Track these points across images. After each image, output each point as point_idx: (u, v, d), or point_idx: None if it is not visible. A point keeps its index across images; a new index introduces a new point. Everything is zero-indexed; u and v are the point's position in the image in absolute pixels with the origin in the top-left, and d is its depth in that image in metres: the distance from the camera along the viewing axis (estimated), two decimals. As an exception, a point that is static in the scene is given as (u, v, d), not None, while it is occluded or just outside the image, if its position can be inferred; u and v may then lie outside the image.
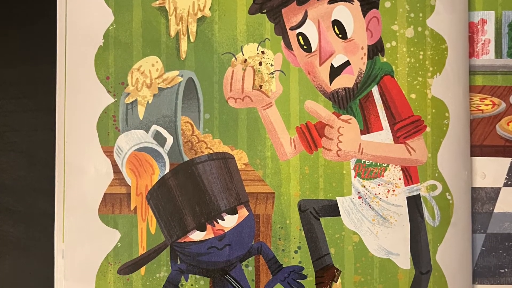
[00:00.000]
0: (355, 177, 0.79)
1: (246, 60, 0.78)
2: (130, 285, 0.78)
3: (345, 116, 0.78)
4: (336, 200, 0.79)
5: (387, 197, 0.79)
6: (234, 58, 0.78)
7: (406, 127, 0.78)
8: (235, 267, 0.79)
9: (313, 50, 0.78)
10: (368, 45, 0.78)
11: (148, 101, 0.78)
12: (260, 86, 0.78)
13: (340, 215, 0.79)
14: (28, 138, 0.80)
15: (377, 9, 0.78)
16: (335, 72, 0.78)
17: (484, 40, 0.80)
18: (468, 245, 0.78)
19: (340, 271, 0.78)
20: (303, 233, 0.78)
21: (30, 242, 0.79)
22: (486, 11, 0.79)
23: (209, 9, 0.79)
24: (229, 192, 0.78)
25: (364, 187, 0.79)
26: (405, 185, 0.78)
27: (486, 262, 0.79)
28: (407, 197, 0.78)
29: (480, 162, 0.79)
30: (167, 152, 0.78)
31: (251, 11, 0.79)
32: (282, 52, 0.79)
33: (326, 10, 0.77)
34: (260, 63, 0.78)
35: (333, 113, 0.78)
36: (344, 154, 0.78)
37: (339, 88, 0.78)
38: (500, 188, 0.79)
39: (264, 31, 0.79)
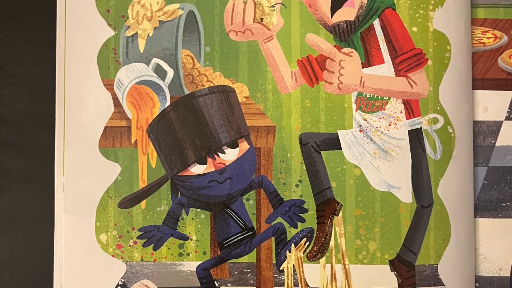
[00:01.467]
0: (356, 110, 0.78)
1: (247, -8, 0.78)
2: (130, 218, 0.78)
3: (346, 49, 0.77)
4: (337, 134, 0.78)
5: (388, 130, 0.78)
6: (235, -10, 0.78)
7: (407, 60, 0.78)
8: (236, 201, 0.79)
9: (314, -18, 0.78)
10: (369, -22, 0.78)
11: (148, 34, 0.78)
12: (261, 19, 0.78)
13: (341, 149, 0.78)
14: (28, 71, 0.79)
15: None
16: (336, 5, 0.78)
17: (486, -26, 0.79)
18: (469, 178, 0.78)
19: (341, 205, 0.78)
20: (304, 167, 0.78)
21: (30, 175, 0.79)
22: None
23: None
24: (229, 125, 0.77)
25: (366, 120, 0.78)
26: (407, 119, 0.78)
27: (488, 196, 0.79)
28: (408, 131, 0.78)
29: (482, 95, 0.79)
30: (167, 85, 0.78)
31: None
32: (283, -15, 0.78)
33: None
34: (261, -4, 0.78)
35: (334, 46, 0.78)
36: (345, 87, 0.78)
37: (340, 21, 0.78)
38: (501, 122, 0.79)
39: (265, -36, 0.78)
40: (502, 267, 0.79)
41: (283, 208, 0.78)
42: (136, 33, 0.78)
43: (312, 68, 0.78)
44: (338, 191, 0.78)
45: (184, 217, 0.78)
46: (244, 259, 0.79)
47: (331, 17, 0.78)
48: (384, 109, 0.78)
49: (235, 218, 0.79)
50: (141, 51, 0.78)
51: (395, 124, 0.78)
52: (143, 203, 0.78)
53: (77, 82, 0.78)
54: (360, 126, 0.78)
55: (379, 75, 0.78)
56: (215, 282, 0.78)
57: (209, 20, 0.78)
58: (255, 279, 0.78)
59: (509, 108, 0.79)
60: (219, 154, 0.78)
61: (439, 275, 0.77)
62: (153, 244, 0.78)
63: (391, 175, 0.78)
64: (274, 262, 0.79)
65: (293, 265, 0.78)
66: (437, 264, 0.78)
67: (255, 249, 0.79)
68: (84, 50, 0.78)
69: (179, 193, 0.79)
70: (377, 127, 0.78)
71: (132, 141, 0.78)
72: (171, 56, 0.78)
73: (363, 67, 0.78)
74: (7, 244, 0.79)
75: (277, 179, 0.78)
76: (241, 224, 0.79)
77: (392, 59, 0.78)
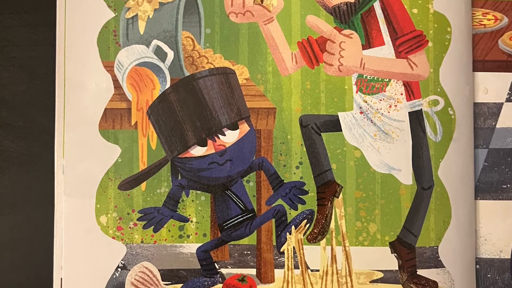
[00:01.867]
0: (356, 92, 0.78)
1: (247, -26, 0.78)
2: (130, 200, 0.78)
3: (346, 31, 0.77)
4: (337, 115, 0.78)
5: (389, 112, 0.78)
6: (235, -28, 0.78)
7: (408, 42, 0.77)
8: (236, 183, 0.79)
9: (314, -36, 0.78)
10: (370, -41, 0.78)
11: (148, 16, 0.78)
12: (261, 1, 0.78)
13: (341, 131, 0.78)
14: (28, 53, 0.79)
15: None
16: (336, -13, 0.78)
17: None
18: (470, 160, 0.78)
19: (342, 187, 0.78)
20: (304, 149, 0.78)
21: (30, 157, 0.79)
22: None
23: None
24: (230, 107, 0.77)
25: (366, 102, 0.78)
26: (407, 100, 0.78)
27: (488, 178, 0.79)
28: (409, 112, 0.78)
29: (482, 77, 0.79)
30: (167, 67, 0.78)
31: None
32: (283, -33, 0.78)
33: None
34: (261, -23, 0.78)
35: (335, 28, 0.78)
36: (345, 69, 0.77)
37: (341, 3, 0.78)
38: (502, 103, 0.79)
39: None
40: (503, 249, 0.78)
41: (284, 190, 0.78)
42: (136, 14, 0.78)
43: (313, 50, 0.78)
44: (339, 173, 0.78)
45: (184, 199, 0.78)
46: (244, 241, 0.78)
47: (332, -1, 0.78)
48: (385, 91, 0.78)
49: (235, 200, 0.78)
50: (141, 33, 0.78)
51: (396, 106, 0.78)
52: (143, 185, 0.78)
53: (77, 64, 0.78)
54: (360, 108, 0.78)
55: (379, 57, 0.78)
56: (215, 264, 0.78)
57: (209, 1, 0.78)
58: (255, 261, 0.78)
59: (509, 90, 0.79)
60: (219, 136, 0.77)
61: (439, 257, 0.77)
62: (153, 226, 0.78)
63: (392, 157, 0.78)
64: (275, 244, 0.79)
65: (293, 247, 0.78)
66: (437, 246, 0.77)
67: (255, 231, 0.79)
68: (84, 32, 0.78)
69: (179, 175, 0.78)
70: (377, 109, 0.78)
71: (132, 123, 0.78)
72: (171, 38, 0.78)
73: (363, 49, 0.77)
74: (7, 226, 0.79)
75: (277, 161, 0.78)
76: (241, 206, 0.79)
77: (393, 41, 0.78)
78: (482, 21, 0.79)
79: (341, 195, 0.78)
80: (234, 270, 0.78)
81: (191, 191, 0.78)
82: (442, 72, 0.78)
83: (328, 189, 0.78)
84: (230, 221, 0.79)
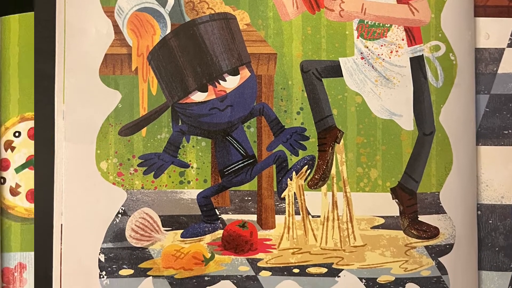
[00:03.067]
0: (357, 37, 0.78)
1: None
2: (131, 146, 0.78)
3: (347, -24, 0.77)
4: (338, 61, 0.78)
5: (390, 57, 0.78)
6: None
7: (409, -13, 0.77)
8: (237, 128, 0.78)
9: None
10: None
11: (149, -39, 0.78)
12: None
13: (342, 76, 0.78)
14: (28, -2, 0.79)
15: None
16: None
17: None
18: (471, 106, 0.78)
19: (343, 132, 0.78)
20: (305, 94, 0.78)
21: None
22: None
23: None
24: (230, 52, 0.77)
25: (367, 47, 0.78)
26: (408, 46, 0.78)
27: (490, 123, 0.78)
28: (410, 58, 0.78)
29: (484, 23, 0.78)
30: (168, 12, 0.78)
31: None
32: None
33: None
34: None
35: (336, -27, 0.78)
36: (346, 15, 0.77)
37: None
38: (504, 49, 0.78)
39: None
40: (504, 195, 0.78)
41: (284, 136, 0.78)
42: (137, -40, 0.78)
43: (313, -5, 0.78)
44: (340, 118, 0.78)
45: (185, 144, 0.78)
46: (245, 187, 0.78)
47: None
48: (386, 36, 0.78)
49: (236, 146, 0.78)
50: (142, -22, 0.78)
51: (397, 51, 0.78)
52: (144, 131, 0.78)
53: (78, 9, 0.77)
54: (361, 53, 0.78)
55: (380, 2, 0.77)
56: (216, 210, 0.78)
57: None
58: (256, 207, 0.78)
59: (511, 36, 0.78)
60: (220, 81, 0.77)
61: (440, 203, 0.77)
62: (153, 172, 0.78)
63: (393, 103, 0.78)
64: (275, 190, 0.78)
65: (294, 193, 0.78)
66: (438, 192, 0.77)
67: (256, 177, 0.78)
68: (84, -23, 0.78)
69: (180, 120, 0.78)
70: (378, 55, 0.78)
71: (133, 69, 0.77)
72: (172, -17, 0.78)
73: (364, -6, 0.77)
74: (7, 172, 0.79)
75: (278, 106, 0.78)
76: (242, 152, 0.78)
77: (394, -14, 0.78)
78: (484, -34, 0.79)
79: (342, 140, 0.78)
80: (234, 216, 0.78)
81: (191, 137, 0.78)
82: (444, 18, 0.77)
83: (329, 134, 0.78)
84: (231, 167, 0.79)
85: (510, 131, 0.78)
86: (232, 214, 0.78)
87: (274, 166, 0.78)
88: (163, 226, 0.77)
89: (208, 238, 0.78)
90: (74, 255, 0.76)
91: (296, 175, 0.78)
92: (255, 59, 0.78)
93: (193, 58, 0.77)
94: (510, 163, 0.78)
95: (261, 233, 0.78)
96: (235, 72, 0.77)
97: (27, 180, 0.77)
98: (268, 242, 0.78)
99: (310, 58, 0.78)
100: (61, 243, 0.76)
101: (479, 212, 0.78)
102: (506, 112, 0.78)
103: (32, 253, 0.77)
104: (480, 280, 0.78)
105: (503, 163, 0.78)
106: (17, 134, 0.75)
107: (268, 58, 0.78)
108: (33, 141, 0.75)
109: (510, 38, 0.78)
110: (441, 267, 0.77)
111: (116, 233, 0.77)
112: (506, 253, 0.78)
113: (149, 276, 0.77)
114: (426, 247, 0.77)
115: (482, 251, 0.78)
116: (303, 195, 0.78)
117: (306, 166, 0.78)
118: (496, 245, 0.78)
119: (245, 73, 0.78)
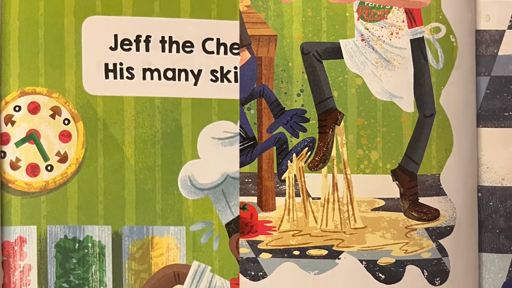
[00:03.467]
0: (358, 19, 0.78)
1: None
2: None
3: (348, -42, 0.77)
4: (339, 43, 0.78)
5: (390, 39, 0.78)
6: None
7: (409, -31, 0.77)
8: (237, 110, 0.78)
9: None
10: None
11: None
12: None
13: (343, 58, 0.78)
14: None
15: None
16: None
17: None
18: (472, 88, 0.78)
19: (343, 114, 0.78)
20: (305, 76, 0.78)
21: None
22: None
23: None
24: (231, 34, 0.77)
25: (367, 29, 0.78)
26: (409, 28, 0.78)
27: (490, 105, 0.78)
28: (410, 40, 0.78)
29: (484, 4, 0.78)
30: (168, -6, 0.78)
31: None
32: None
33: None
34: None
35: (336, -45, 0.78)
36: (347, -4, 0.77)
37: None
38: (504, 31, 0.78)
39: None
40: (505, 177, 0.78)
41: (285, 118, 0.78)
42: None
43: (314, -23, 0.78)
44: (340, 100, 0.78)
45: (185, 126, 0.78)
46: (245, 169, 0.78)
47: None
48: (386, 18, 0.78)
49: (236, 128, 0.78)
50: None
51: (397, 33, 0.78)
52: (144, 113, 0.78)
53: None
54: (362, 35, 0.78)
55: (381, -16, 0.77)
56: (216, 192, 0.78)
57: None
58: (256, 189, 0.78)
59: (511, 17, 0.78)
60: (220, 63, 0.77)
61: (441, 185, 0.77)
62: (153, 154, 0.78)
63: (393, 85, 0.78)
64: (276, 172, 0.78)
65: (295, 175, 0.78)
66: (439, 174, 0.77)
67: (256, 159, 0.78)
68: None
69: (180, 102, 0.78)
70: (379, 36, 0.78)
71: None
72: (172, -35, 0.77)
73: (365, -24, 0.77)
74: None
75: (279, 88, 0.78)
76: (242, 134, 0.78)
77: (394, -32, 0.77)
78: None
79: (342, 122, 0.78)
80: (235, 198, 0.78)
81: (192, 119, 0.78)
82: (444, -1, 0.77)
83: (329, 116, 0.78)
84: (231, 149, 0.79)
85: (510, 113, 0.78)
86: (232, 196, 0.78)
87: (274, 148, 0.78)
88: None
89: (208, 220, 0.78)
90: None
91: (297, 157, 0.78)
92: (255, 41, 0.78)
93: (193, 40, 0.77)
94: (510, 145, 0.78)
95: (262, 215, 0.78)
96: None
97: (27, 154, 0.76)
98: (268, 224, 0.78)
99: (311, 40, 0.78)
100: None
101: (479, 194, 0.78)
102: (507, 94, 0.78)
103: (32, 227, 0.76)
104: (481, 262, 0.78)
105: (503, 145, 0.78)
106: (17, 108, 0.75)
107: (269, 40, 0.78)
108: (33, 115, 0.75)
109: (510, 20, 0.78)
110: (441, 249, 0.77)
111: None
112: (506, 235, 0.78)
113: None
114: (427, 229, 0.77)
115: (482, 233, 0.78)
116: (304, 177, 0.78)
117: (307, 148, 0.78)
118: (497, 227, 0.78)
119: (245, 55, 0.78)
